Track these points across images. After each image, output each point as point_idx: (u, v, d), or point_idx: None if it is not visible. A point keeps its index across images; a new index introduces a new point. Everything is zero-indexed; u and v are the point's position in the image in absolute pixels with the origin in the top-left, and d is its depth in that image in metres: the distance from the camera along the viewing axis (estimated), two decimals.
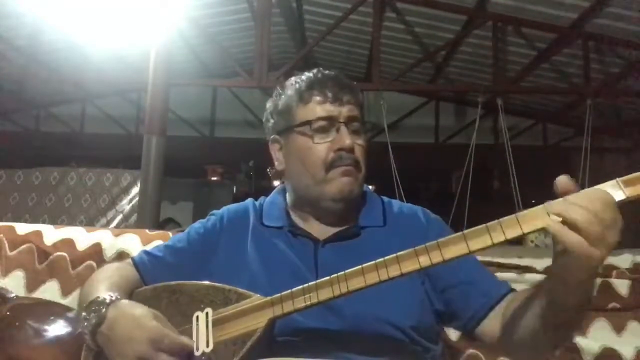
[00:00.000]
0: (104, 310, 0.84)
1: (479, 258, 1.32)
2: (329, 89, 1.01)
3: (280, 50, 6.64)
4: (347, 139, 0.98)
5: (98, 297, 0.87)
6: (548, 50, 5.00)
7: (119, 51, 5.39)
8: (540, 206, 0.71)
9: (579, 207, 0.67)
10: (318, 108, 1.00)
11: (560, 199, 0.70)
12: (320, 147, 0.99)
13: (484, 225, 0.74)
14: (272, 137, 1.08)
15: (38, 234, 1.45)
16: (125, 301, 0.88)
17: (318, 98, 1.01)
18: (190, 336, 0.85)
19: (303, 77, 1.05)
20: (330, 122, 1.00)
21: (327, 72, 1.05)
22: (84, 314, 0.85)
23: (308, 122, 1.00)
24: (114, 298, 0.86)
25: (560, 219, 0.68)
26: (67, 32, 5.08)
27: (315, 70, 1.05)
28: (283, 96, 1.06)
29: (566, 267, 0.70)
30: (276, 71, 5.07)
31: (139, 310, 0.85)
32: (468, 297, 0.96)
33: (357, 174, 1.01)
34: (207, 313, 0.86)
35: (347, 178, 0.99)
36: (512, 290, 0.97)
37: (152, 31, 3.72)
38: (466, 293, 0.97)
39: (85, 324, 0.84)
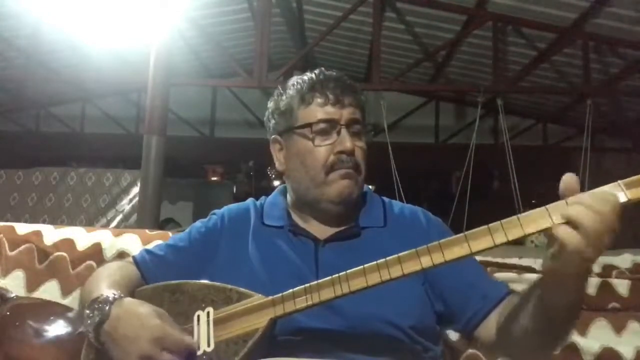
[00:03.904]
0: (107, 308, 0.84)
1: (479, 258, 1.33)
2: (331, 90, 1.00)
3: (280, 50, 6.64)
4: (347, 142, 0.98)
5: (101, 295, 0.86)
6: (548, 50, 5.00)
7: (119, 51, 5.39)
8: (542, 208, 0.72)
9: (587, 209, 0.68)
10: (319, 110, 1.00)
11: (564, 202, 0.70)
12: (321, 150, 0.99)
13: (485, 226, 0.74)
14: (272, 137, 1.08)
15: (38, 234, 1.45)
16: (128, 299, 0.87)
17: (319, 100, 1.00)
18: (192, 335, 0.85)
19: (305, 78, 1.04)
20: (331, 124, 1.00)
21: (329, 72, 1.04)
22: (87, 312, 0.85)
23: (309, 124, 1.00)
24: (117, 296, 0.86)
25: (564, 220, 0.69)
26: (67, 32, 5.08)
27: (317, 71, 1.04)
28: (284, 96, 1.05)
29: (560, 267, 0.71)
30: (276, 71, 5.08)
31: (142, 308, 0.84)
32: (467, 299, 0.97)
33: (357, 177, 1.01)
34: (208, 312, 0.86)
35: (347, 181, 0.99)
36: (511, 291, 0.97)
37: (152, 31, 3.72)
38: (465, 295, 0.97)
39: (89, 322, 0.84)
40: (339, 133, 0.99)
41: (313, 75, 1.04)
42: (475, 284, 0.98)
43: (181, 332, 0.84)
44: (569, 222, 0.68)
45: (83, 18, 4.80)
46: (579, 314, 0.83)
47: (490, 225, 0.74)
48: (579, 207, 0.68)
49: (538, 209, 0.72)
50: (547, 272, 0.76)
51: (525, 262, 1.39)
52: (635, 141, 6.46)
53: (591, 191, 0.70)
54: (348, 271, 0.80)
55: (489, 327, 0.94)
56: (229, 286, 0.88)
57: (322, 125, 0.99)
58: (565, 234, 0.68)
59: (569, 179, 0.71)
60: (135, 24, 4.45)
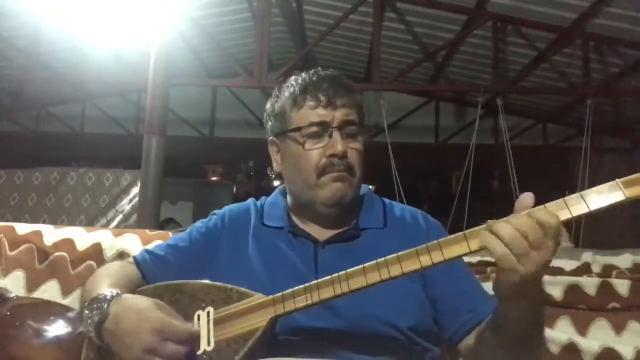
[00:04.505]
0: (106, 306, 0.84)
1: (479, 257, 1.33)
2: (323, 92, 0.99)
3: (280, 50, 6.63)
4: (339, 145, 0.97)
5: (99, 294, 0.86)
6: (548, 50, 5.00)
7: (119, 51, 5.39)
8: (542, 206, 0.72)
9: (509, 225, 0.70)
10: (311, 113, 1.00)
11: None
12: (313, 153, 0.99)
13: (484, 225, 0.74)
14: (270, 138, 1.09)
15: (38, 234, 1.45)
16: (127, 295, 0.88)
17: (311, 103, 1.00)
18: None
19: (299, 80, 1.04)
20: (323, 127, 0.99)
21: (323, 72, 1.03)
22: (86, 312, 0.85)
23: (299, 128, 1.00)
24: (114, 294, 0.86)
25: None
26: (67, 32, 5.08)
27: (311, 72, 1.04)
28: (279, 99, 1.05)
29: (498, 281, 0.74)
30: (276, 71, 5.07)
31: (142, 302, 0.85)
32: (456, 309, 0.97)
33: (351, 179, 1.00)
34: (208, 312, 0.87)
35: (339, 183, 0.99)
36: None
37: (152, 31, 3.72)
38: (454, 308, 0.97)
39: (89, 321, 0.84)
40: (330, 136, 0.99)
41: (306, 77, 1.03)
42: (466, 293, 0.98)
43: (182, 321, 0.84)
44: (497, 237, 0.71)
45: (83, 18, 4.80)
46: (541, 330, 0.84)
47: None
48: (505, 225, 0.71)
49: (537, 208, 0.72)
50: (493, 288, 0.77)
51: None
52: (635, 141, 6.45)
53: (531, 210, 0.71)
54: (348, 270, 0.80)
55: (469, 342, 0.95)
56: (230, 286, 0.88)
57: (313, 129, 0.99)
58: (493, 245, 0.71)
59: (524, 200, 0.73)
60: (135, 24, 4.45)
